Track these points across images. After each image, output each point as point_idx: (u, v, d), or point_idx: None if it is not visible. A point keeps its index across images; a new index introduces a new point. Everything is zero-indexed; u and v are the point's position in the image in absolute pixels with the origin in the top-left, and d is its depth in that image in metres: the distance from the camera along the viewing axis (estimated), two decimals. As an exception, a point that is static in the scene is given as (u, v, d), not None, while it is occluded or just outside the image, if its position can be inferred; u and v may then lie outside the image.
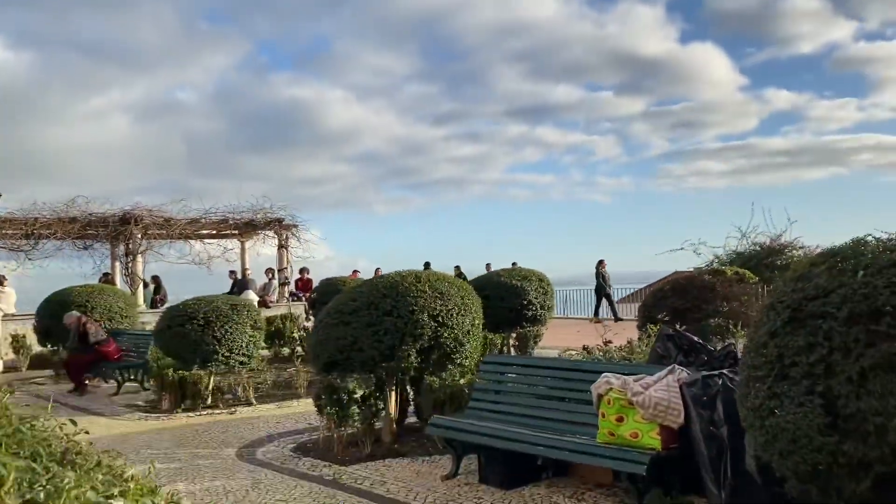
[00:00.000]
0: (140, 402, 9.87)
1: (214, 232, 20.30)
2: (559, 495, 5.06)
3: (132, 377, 10.87)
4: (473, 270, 23.29)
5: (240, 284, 18.77)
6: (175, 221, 17.55)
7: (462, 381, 6.62)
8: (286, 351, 14.86)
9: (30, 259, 16.55)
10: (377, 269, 20.06)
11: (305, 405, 9.02)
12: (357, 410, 6.82)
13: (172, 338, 9.42)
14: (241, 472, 6.02)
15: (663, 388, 4.57)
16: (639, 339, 7.80)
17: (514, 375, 5.91)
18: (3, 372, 14.23)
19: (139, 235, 17.18)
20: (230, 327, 9.55)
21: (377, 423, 6.95)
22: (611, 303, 21.68)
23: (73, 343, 11.20)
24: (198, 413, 8.96)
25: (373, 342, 6.43)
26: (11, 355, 14.56)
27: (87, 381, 11.04)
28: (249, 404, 9.45)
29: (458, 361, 6.83)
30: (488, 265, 21.74)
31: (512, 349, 11.46)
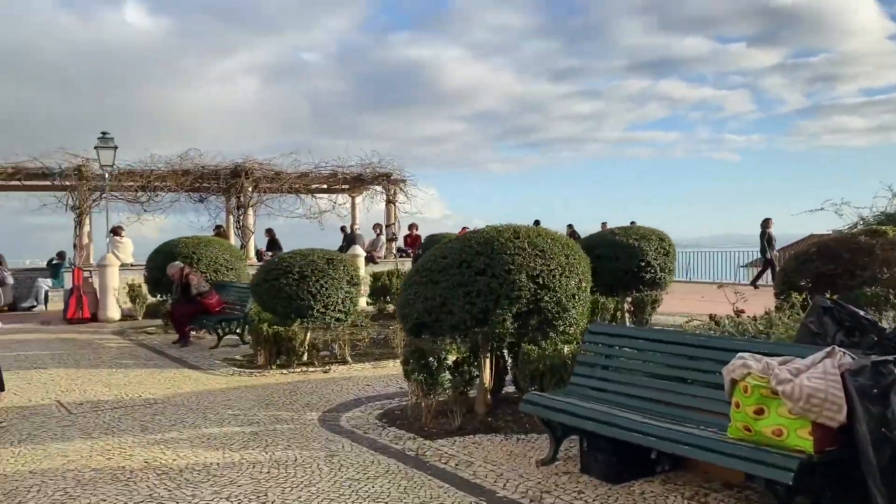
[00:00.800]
0: (237, 357, 9.70)
1: (325, 186, 20.20)
2: (676, 495, 4.20)
3: (235, 330, 10.76)
4: (588, 231, 22.07)
5: (348, 239, 18.60)
6: (285, 175, 17.49)
7: (565, 352, 5.80)
8: (391, 307, 14.51)
9: (146, 211, 16.99)
10: (463, 229, 19.35)
11: (395, 366, 8.50)
12: (448, 377, 6.17)
13: (268, 292, 9.11)
14: (319, 440, 5.51)
15: (819, 376, 3.57)
16: (777, 308, 6.66)
17: (626, 349, 5.02)
18: (121, 320, 14.72)
19: (250, 188, 17.24)
20: (326, 282, 9.12)
21: (470, 392, 6.29)
22: (772, 268, 18.80)
23: (177, 294, 11.23)
24: (291, 370, 8.63)
25: (464, 304, 5.72)
26: (128, 304, 15.01)
27: (190, 333, 11.04)
28: (345, 363, 9.05)
29: (561, 329, 6.00)
30: (604, 224, 20.55)
31: (626, 315, 10.45)
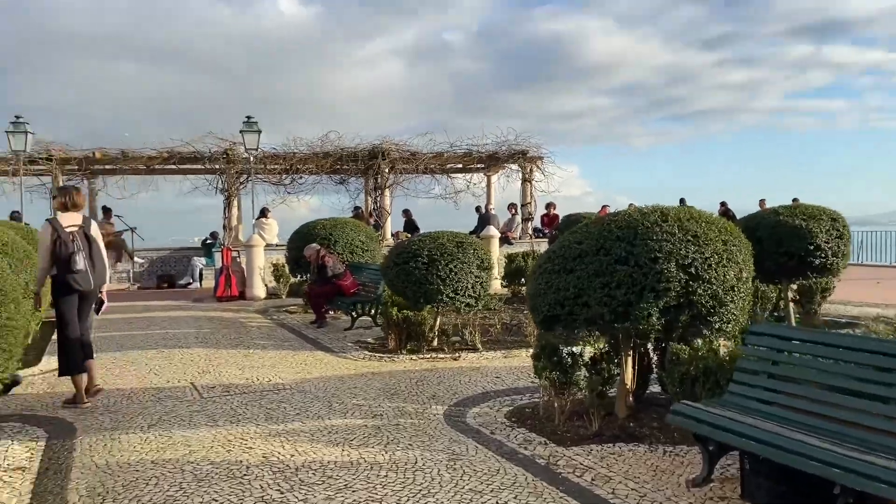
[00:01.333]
0: (369, 340, 9.57)
1: (460, 165, 19.92)
2: (866, 539, 3.42)
3: (368, 312, 10.68)
4: (743, 209, 20.47)
5: (482, 219, 18.23)
6: (421, 155, 17.34)
7: (722, 353, 5.05)
8: (525, 291, 14.02)
9: (289, 193, 17.43)
10: (603, 207, 18.38)
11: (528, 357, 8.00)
12: (584, 376, 5.60)
13: (397, 276, 8.88)
14: (443, 440, 5.14)
15: None
16: None
17: (798, 355, 4.22)
18: (266, 298, 15.19)
19: (386, 170, 17.25)
20: (455, 266, 8.75)
21: (610, 390, 5.68)
22: None
23: (313, 275, 11.31)
24: (421, 356, 8.37)
25: (602, 296, 5.10)
26: (273, 283, 15.48)
27: (327, 314, 11.09)
28: (475, 349, 8.67)
29: (717, 326, 5.24)
30: (762, 202, 18.88)
31: (790, 306, 9.32)
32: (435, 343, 8.89)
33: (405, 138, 17.38)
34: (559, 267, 5.39)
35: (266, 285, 15.42)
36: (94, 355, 6.82)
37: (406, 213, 19.55)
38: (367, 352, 8.76)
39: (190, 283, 18.41)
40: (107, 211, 18.44)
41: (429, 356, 8.37)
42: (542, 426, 5.47)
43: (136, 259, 18.43)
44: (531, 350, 8.63)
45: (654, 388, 6.03)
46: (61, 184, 15.92)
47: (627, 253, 5.14)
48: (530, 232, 18.20)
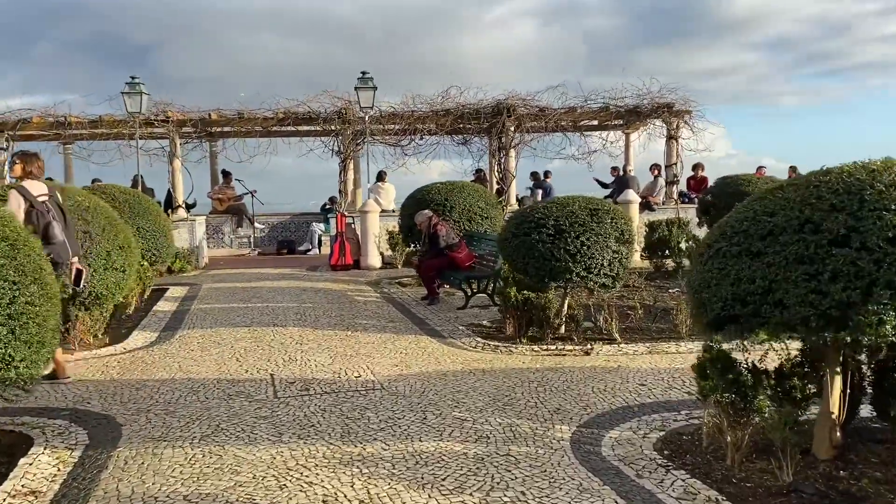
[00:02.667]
0: (484, 322, 8.26)
1: (594, 123, 18.03)
2: None
3: (484, 289, 9.37)
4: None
5: (619, 182, 16.35)
6: (550, 111, 15.66)
7: None
8: (670, 264, 12.20)
9: (407, 155, 16.32)
10: (759, 169, 16.02)
11: (688, 353, 6.39)
12: (768, 402, 3.99)
13: (517, 249, 7.46)
14: (568, 486, 3.72)
15: None
16: None
17: None
18: (381, 268, 14.23)
19: (512, 128, 15.71)
20: (588, 238, 7.21)
21: (807, 413, 4.06)
22: None
23: (424, 245, 10.10)
24: (544, 346, 6.96)
25: (806, 293, 3.47)
26: (389, 251, 14.50)
27: (439, 290, 9.88)
28: (611, 341, 7.16)
29: None
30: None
31: None
32: (562, 330, 7.44)
33: (533, 92, 15.76)
34: (740, 248, 3.78)
35: (381, 254, 14.46)
36: (186, 330, 6.42)
37: (534, 175, 17.98)
38: (479, 338, 7.44)
39: (309, 250, 17.86)
40: (226, 174, 18.16)
41: (554, 347, 6.94)
42: (709, 467, 3.94)
43: (256, 224, 18.08)
44: (683, 345, 7.05)
45: (865, 407, 4.34)
46: (178, 146, 15.65)
47: (849, 229, 3.46)
48: (675, 196, 16.14)
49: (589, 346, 6.97)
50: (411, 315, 8.88)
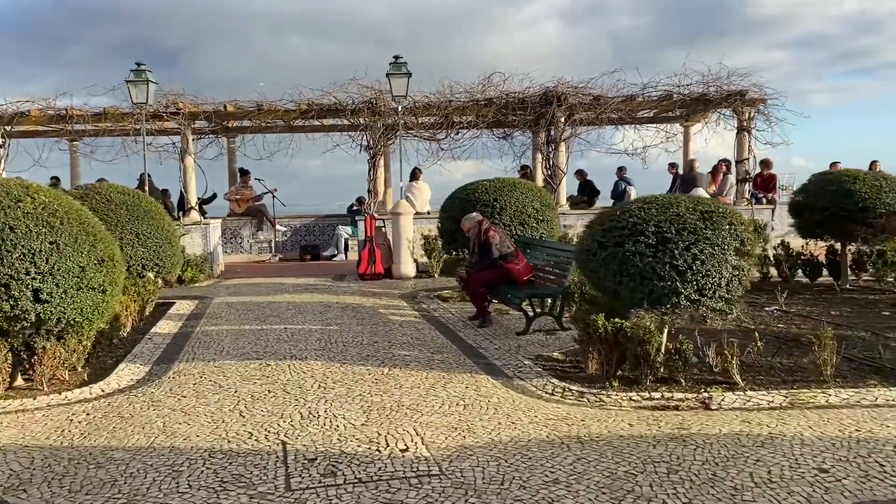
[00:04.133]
0: (555, 354, 6.54)
1: (651, 114, 16.22)
2: None
3: (551, 310, 7.65)
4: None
5: (685, 181, 14.52)
6: (605, 100, 13.86)
7: None
8: (755, 274, 10.40)
9: (443, 150, 14.62)
10: (834, 164, 14.27)
11: (848, 409, 4.65)
12: None
13: (605, 264, 5.74)
14: None
15: None
16: None
17: None
18: (416, 276, 12.58)
19: (562, 119, 13.96)
20: (702, 250, 5.48)
21: None
22: None
23: (473, 255, 8.40)
24: (645, 393, 5.25)
25: None
26: (424, 258, 12.85)
27: (490, 309, 8.18)
28: (730, 383, 5.42)
29: None
30: None
31: None
32: (662, 370, 5.70)
33: (586, 79, 13.97)
34: None
35: (416, 261, 12.81)
36: (183, 363, 5.51)
37: (580, 173, 16.20)
38: (555, 379, 5.72)
39: (335, 255, 16.28)
40: (244, 173, 16.62)
41: (658, 396, 5.21)
42: None
43: (278, 227, 16.54)
44: (831, 390, 5.29)
45: None
46: (190, 142, 14.12)
47: None
48: (747, 196, 14.27)
49: (706, 395, 5.23)
50: (460, 342, 7.19)
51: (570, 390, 5.44)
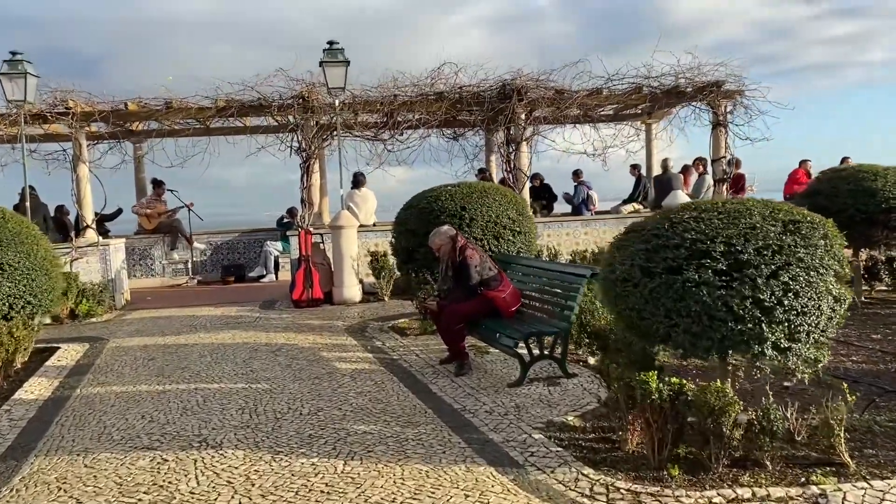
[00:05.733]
0: (569, 419, 4.77)
1: (612, 111, 14.76)
2: None
3: (551, 352, 5.87)
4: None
5: (659, 183, 13.06)
6: (569, 94, 12.26)
7: None
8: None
9: (389, 151, 12.74)
10: (844, 160, 13.31)
11: None
12: None
13: (654, 298, 4.00)
14: None
15: None
16: None
17: None
18: (362, 301, 10.66)
19: (523, 115, 12.28)
20: (795, 277, 3.82)
21: None
22: None
23: (445, 280, 6.55)
24: (727, 489, 3.55)
25: None
26: (371, 278, 10.95)
27: (467, 349, 6.35)
28: (834, 464, 3.78)
29: None
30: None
31: None
32: (739, 450, 3.98)
33: (547, 70, 12.34)
34: None
35: (361, 282, 10.90)
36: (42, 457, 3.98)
37: (537, 177, 14.57)
38: (587, 468, 3.95)
39: (263, 276, 14.17)
40: (157, 184, 14.35)
41: (748, 495, 3.50)
42: None
43: (195, 245, 14.32)
44: None
45: None
46: (84, 148, 11.81)
47: None
48: (726, 197, 12.88)
49: (815, 489, 3.56)
50: (437, 403, 5.34)
51: (617, 489, 3.67)
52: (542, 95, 12.19)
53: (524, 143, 12.36)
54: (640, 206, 14.42)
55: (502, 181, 12.62)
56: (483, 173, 13.04)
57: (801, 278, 3.83)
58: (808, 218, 4.12)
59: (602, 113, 14.88)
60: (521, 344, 5.65)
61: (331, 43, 10.84)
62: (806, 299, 3.83)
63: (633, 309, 4.15)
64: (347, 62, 10.85)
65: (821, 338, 4.01)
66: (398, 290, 10.75)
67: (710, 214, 4.11)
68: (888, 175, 8.49)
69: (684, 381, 3.90)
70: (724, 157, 12.75)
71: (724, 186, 12.76)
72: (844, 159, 14.81)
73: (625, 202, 14.90)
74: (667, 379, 3.92)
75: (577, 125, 14.30)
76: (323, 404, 5.35)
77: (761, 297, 3.78)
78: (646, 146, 15.62)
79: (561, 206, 14.84)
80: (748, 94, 12.44)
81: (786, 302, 3.80)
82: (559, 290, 6.03)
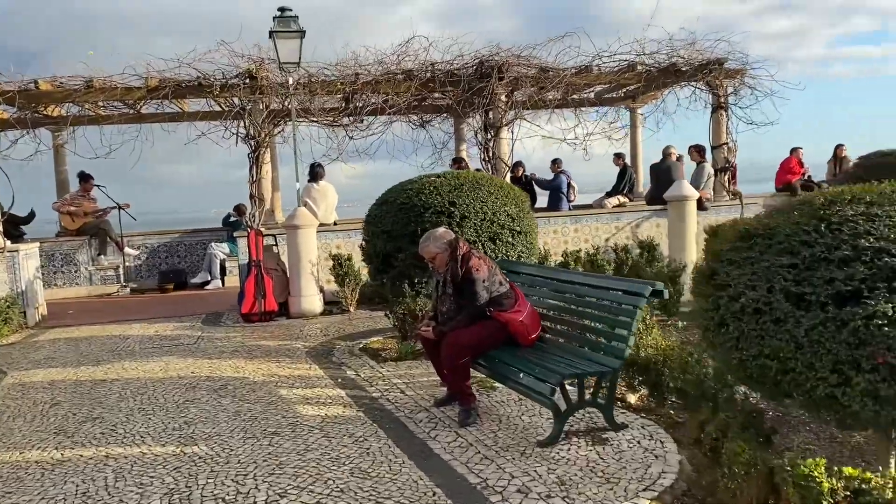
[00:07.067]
0: (645, 501, 3.32)
1: (594, 96, 13.42)
2: None
3: (593, 397, 4.37)
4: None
5: (659, 173, 11.73)
6: (556, 73, 10.83)
7: None
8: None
9: (352, 139, 11.12)
10: (839, 147, 12.18)
11: None
12: None
13: (814, 342, 2.56)
14: None
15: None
16: None
17: None
18: (324, 313, 9.07)
19: (503, 96, 10.81)
20: None
21: None
22: None
23: (444, 300, 4.97)
24: None
25: None
26: (333, 284, 9.36)
27: (472, 391, 4.82)
28: None
29: None
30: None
31: None
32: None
33: (529, 44, 10.89)
34: None
35: (322, 289, 9.30)
36: None
37: (519, 167, 13.14)
38: None
39: (207, 283, 12.43)
40: (85, 178, 12.46)
41: None
42: None
43: (127, 249, 12.47)
44: None
45: None
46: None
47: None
48: (728, 188, 11.66)
49: None
50: (446, 474, 3.82)
51: None
52: (526, 73, 10.73)
53: (504, 128, 10.89)
54: (626, 199, 13.13)
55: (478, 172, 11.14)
56: (459, 163, 11.53)
57: None
58: None
59: (583, 96, 13.54)
60: (565, 385, 4.16)
61: (282, 10, 9.18)
62: None
63: (771, 356, 2.70)
64: (303, 32, 9.21)
65: None
66: (364, 299, 9.21)
67: (887, 209, 2.68)
68: None
69: (867, 474, 2.48)
70: (726, 143, 11.50)
71: (726, 176, 11.52)
72: (839, 146, 13.80)
73: (608, 195, 13.56)
74: (837, 470, 2.49)
75: (560, 109, 12.89)
76: (287, 484, 3.78)
77: None
78: (630, 134, 14.35)
79: (542, 199, 13.44)
80: (753, 73, 11.19)
81: None
82: (593, 311, 4.56)
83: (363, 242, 7.52)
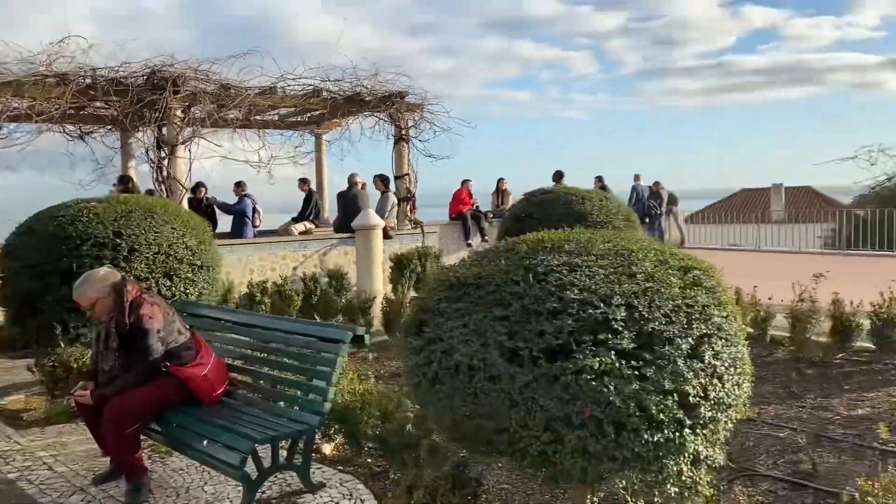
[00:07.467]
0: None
1: (278, 118, 13.02)
2: None
3: (288, 459, 3.87)
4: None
5: (344, 201, 11.65)
6: (237, 91, 10.18)
7: None
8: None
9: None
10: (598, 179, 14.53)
11: None
12: None
13: (522, 396, 2.44)
14: None
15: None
16: None
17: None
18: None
19: (179, 111, 9.86)
20: (718, 353, 2.59)
21: None
22: None
23: (107, 356, 4.09)
24: None
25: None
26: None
27: (143, 460, 4.04)
28: None
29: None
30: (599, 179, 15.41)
31: None
32: None
33: (208, 57, 10.10)
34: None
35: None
36: None
37: (201, 188, 12.08)
38: None
39: None
40: None
41: None
42: None
43: None
44: None
45: None
46: None
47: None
48: (410, 217, 12.01)
49: None
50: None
51: None
52: (205, 89, 9.92)
53: (181, 146, 9.92)
54: (312, 226, 12.91)
55: (150, 193, 10.00)
56: (126, 182, 10.20)
57: (725, 355, 2.62)
58: (697, 263, 2.96)
59: (267, 118, 13.05)
60: (258, 450, 3.62)
61: None
62: (730, 385, 2.64)
63: (486, 416, 2.53)
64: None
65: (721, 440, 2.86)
66: (3, 343, 7.58)
67: (585, 258, 2.70)
68: (593, 199, 8.29)
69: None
70: (407, 174, 11.89)
71: (408, 206, 11.89)
72: (500, 180, 15.21)
73: (294, 220, 13.21)
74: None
75: (244, 129, 12.19)
76: None
77: (687, 388, 2.47)
78: (316, 159, 14.19)
79: (224, 224, 12.56)
80: (431, 108, 11.74)
81: (711, 393, 2.55)
82: (287, 360, 4.13)
83: (-1, 280, 6.09)
